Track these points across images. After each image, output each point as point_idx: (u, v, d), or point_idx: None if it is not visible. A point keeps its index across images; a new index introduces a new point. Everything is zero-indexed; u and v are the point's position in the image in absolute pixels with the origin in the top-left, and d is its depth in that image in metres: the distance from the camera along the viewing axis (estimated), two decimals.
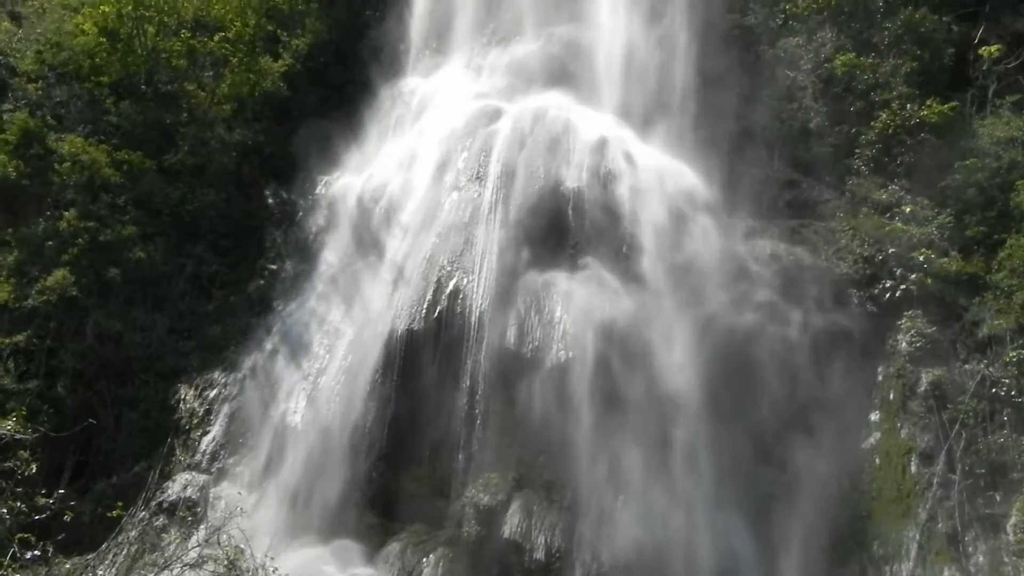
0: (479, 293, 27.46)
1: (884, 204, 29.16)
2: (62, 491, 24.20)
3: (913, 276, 27.44)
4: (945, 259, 27.77)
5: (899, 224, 28.41)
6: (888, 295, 27.47)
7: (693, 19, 33.35)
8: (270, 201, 31.74)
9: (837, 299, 27.73)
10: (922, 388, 25.71)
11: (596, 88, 32.95)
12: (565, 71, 33.49)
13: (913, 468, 24.83)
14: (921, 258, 27.66)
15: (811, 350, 26.97)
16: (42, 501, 23.07)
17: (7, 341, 26.71)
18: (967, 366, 26.01)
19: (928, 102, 30.13)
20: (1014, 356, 25.43)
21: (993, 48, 31.03)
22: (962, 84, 31.38)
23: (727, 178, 29.86)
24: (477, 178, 30.03)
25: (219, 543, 17.29)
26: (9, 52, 32.39)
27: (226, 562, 16.93)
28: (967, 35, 31.94)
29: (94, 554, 23.02)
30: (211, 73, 33.59)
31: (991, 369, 25.59)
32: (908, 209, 28.73)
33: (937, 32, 31.75)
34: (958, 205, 28.67)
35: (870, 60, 31.47)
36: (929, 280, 27.33)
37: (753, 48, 32.92)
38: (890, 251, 27.95)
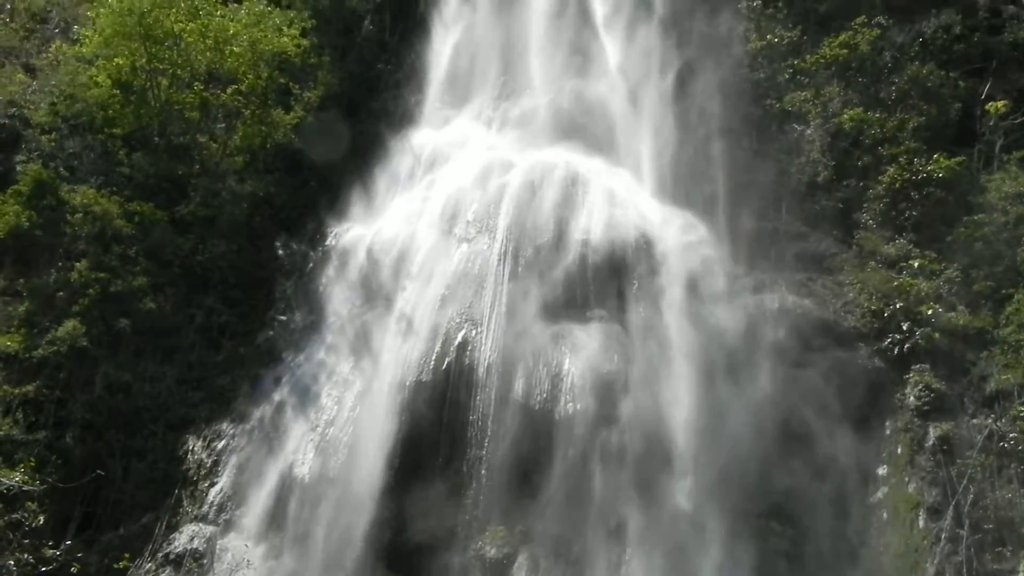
0: (487, 345, 27.85)
1: (892, 258, 29.57)
2: (69, 542, 24.65)
3: (921, 330, 27.78)
4: (953, 313, 28.14)
5: (907, 278, 28.80)
6: (896, 349, 27.79)
7: (702, 74, 33.97)
8: (280, 252, 32.23)
9: (845, 353, 28.00)
10: (930, 442, 25.97)
11: (606, 141, 33.54)
12: (575, 124, 34.15)
13: (921, 523, 25.03)
14: (929, 312, 28.03)
15: (819, 404, 27.22)
16: (49, 552, 23.53)
17: (16, 391, 27.01)
18: (975, 420, 26.28)
19: (935, 157, 30.66)
20: (1022, 411, 25.71)
21: (1000, 104, 31.64)
22: (969, 139, 31.98)
23: (735, 231, 30.33)
24: (486, 230, 30.54)
25: None
26: (23, 104, 33.02)
27: None
28: (974, 91, 32.56)
29: None
30: (223, 125, 34.21)
31: (999, 423, 25.86)
32: (916, 263, 29.15)
33: (944, 88, 32.33)
34: (965, 259, 29.08)
35: (878, 115, 32.02)
36: (937, 334, 27.67)
37: (761, 102, 33.51)
38: (898, 305, 28.31)
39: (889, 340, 28.00)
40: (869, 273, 29.25)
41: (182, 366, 29.18)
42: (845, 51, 33.13)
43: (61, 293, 28.26)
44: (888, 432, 26.83)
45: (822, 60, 33.33)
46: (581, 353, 27.41)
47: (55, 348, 27.45)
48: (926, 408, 26.61)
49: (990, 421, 26.11)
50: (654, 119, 33.75)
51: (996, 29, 34.11)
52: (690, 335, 28.08)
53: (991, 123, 31.71)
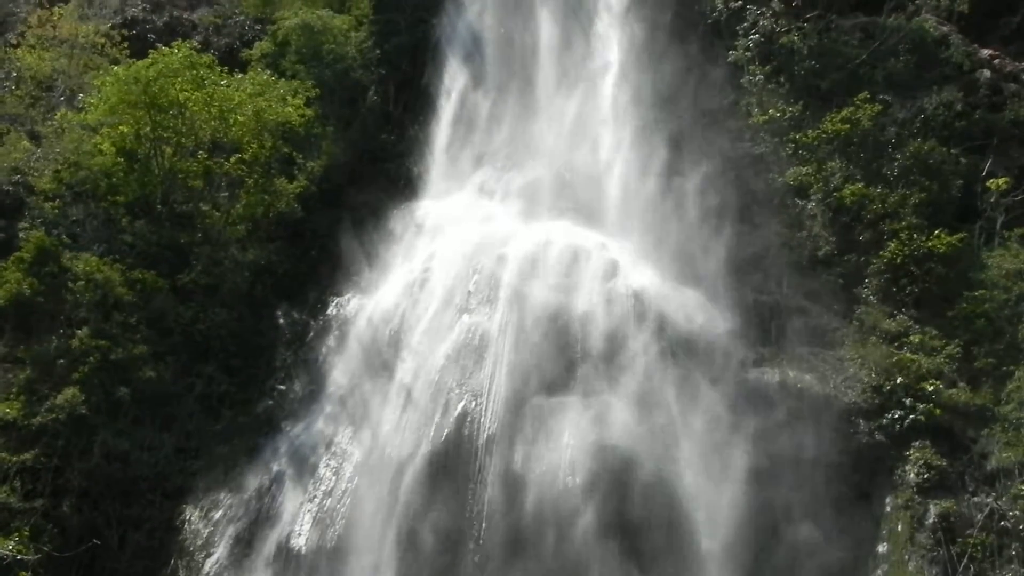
0: (487, 417, 28.49)
1: (893, 333, 30.26)
2: None
3: (922, 406, 28.40)
4: (954, 390, 28.79)
5: (908, 354, 29.47)
6: (897, 425, 28.39)
7: (704, 149, 34.92)
8: (281, 321, 32.96)
9: (845, 428, 28.59)
10: (930, 520, 26.46)
11: (607, 215, 34.43)
12: (578, 197, 35.07)
13: None
14: (930, 388, 28.68)
15: (821, 480, 27.76)
16: None
17: (14, 459, 27.56)
18: (976, 499, 26.82)
19: (936, 233, 31.44)
20: (1023, 489, 26.22)
21: (1001, 181, 32.54)
22: (970, 216, 32.84)
23: (736, 305, 31.04)
24: (487, 301, 31.28)
25: None
26: (27, 171, 33.96)
27: None
28: (975, 167, 33.46)
29: None
30: (226, 194, 35.09)
31: (1000, 502, 26.40)
32: (917, 339, 29.82)
33: (946, 164, 33.23)
34: (967, 336, 29.80)
35: (879, 190, 32.83)
36: (938, 411, 28.29)
37: (763, 176, 34.34)
38: (899, 381, 28.95)
39: (890, 416, 28.58)
40: (870, 348, 29.91)
41: (181, 435, 29.77)
42: (847, 126, 33.96)
43: (61, 361, 28.95)
44: (888, 509, 27.33)
45: (824, 135, 34.17)
46: (581, 425, 28.01)
47: (54, 416, 28.10)
48: (927, 485, 27.15)
49: (991, 499, 26.65)
50: (656, 193, 34.58)
51: (997, 106, 35.12)
52: (691, 406, 28.73)
53: (992, 200, 32.57)
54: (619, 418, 28.26)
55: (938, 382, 28.80)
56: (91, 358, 28.95)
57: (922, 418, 28.24)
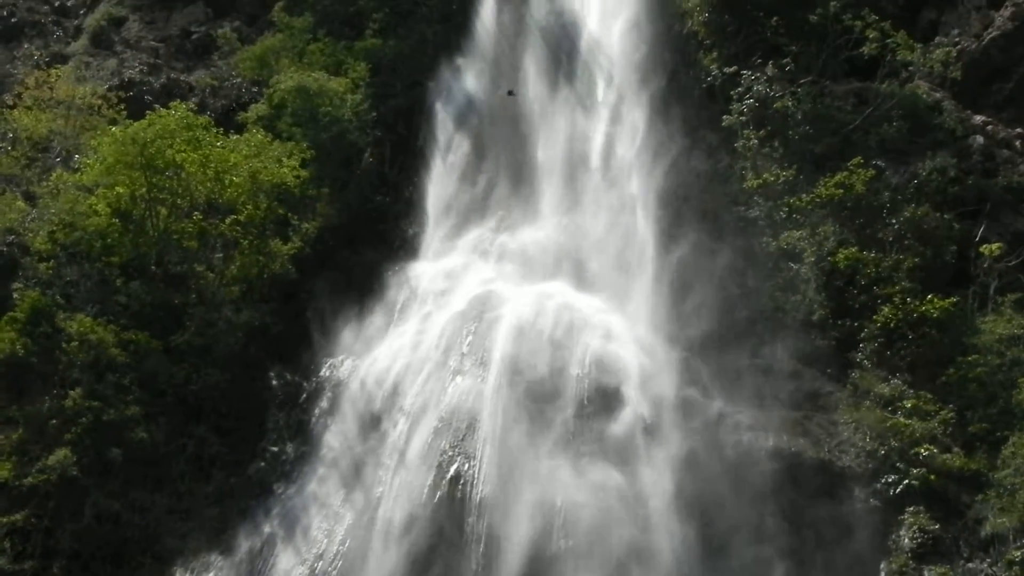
0: (480, 479, 29.01)
1: (887, 398, 30.78)
2: None
3: (916, 471, 28.90)
4: (948, 455, 29.31)
5: (902, 419, 29.99)
6: (891, 490, 28.87)
7: (699, 211, 35.66)
8: (274, 383, 33.48)
9: (840, 493, 29.05)
10: None
11: (602, 277, 35.13)
12: (572, 259, 35.86)
13: None
14: (924, 453, 29.20)
15: (815, 545, 28.20)
16: None
17: (5, 520, 27.98)
18: (970, 564, 27.29)
19: (930, 297, 32.03)
20: (1017, 555, 26.75)
21: (994, 246, 33.20)
22: (964, 280, 33.50)
23: (731, 369, 31.61)
24: (481, 363, 31.94)
25: None
26: (22, 231, 34.58)
27: None
28: (968, 233, 34.17)
29: None
30: (221, 255, 35.70)
31: (994, 568, 26.88)
32: (910, 403, 30.34)
33: (939, 229, 33.93)
34: (960, 401, 30.36)
35: (873, 255, 33.46)
36: (932, 476, 28.79)
37: (757, 240, 34.98)
38: (893, 445, 29.47)
39: (884, 481, 29.07)
40: (864, 413, 30.43)
41: (172, 496, 30.19)
42: (841, 191, 34.58)
43: (54, 421, 29.45)
44: (883, 574, 27.72)
45: (818, 199, 34.74)
46: (574, 488, 28.47)
47: (45, 476, 28.56)
48: (921, 551, 27.61)
49: (985, 565, 27.13)
50: (651, 256, 35.28)
51: (990, 172, 35.91)
52: (684, 469, 29.22)
53: (985, 265, 33.23)
54: (612, 482, 28.73)
55: (932, 447, 29.31)
56: (83, 419, 29.44)
57: (916, 483, 28.71)
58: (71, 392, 29.99)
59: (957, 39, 39.30)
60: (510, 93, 41.16)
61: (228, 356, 33.03)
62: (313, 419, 32.63)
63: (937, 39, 39.55)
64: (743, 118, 37.34)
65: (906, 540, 27.87)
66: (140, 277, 34.00)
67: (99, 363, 30.89)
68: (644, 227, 36.33)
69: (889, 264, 33.20)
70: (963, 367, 30.83)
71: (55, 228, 34.41)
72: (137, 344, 31.83)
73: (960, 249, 33.91)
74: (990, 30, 38.76)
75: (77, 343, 30.84)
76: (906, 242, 33.75)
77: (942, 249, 33.77)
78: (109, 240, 34.40)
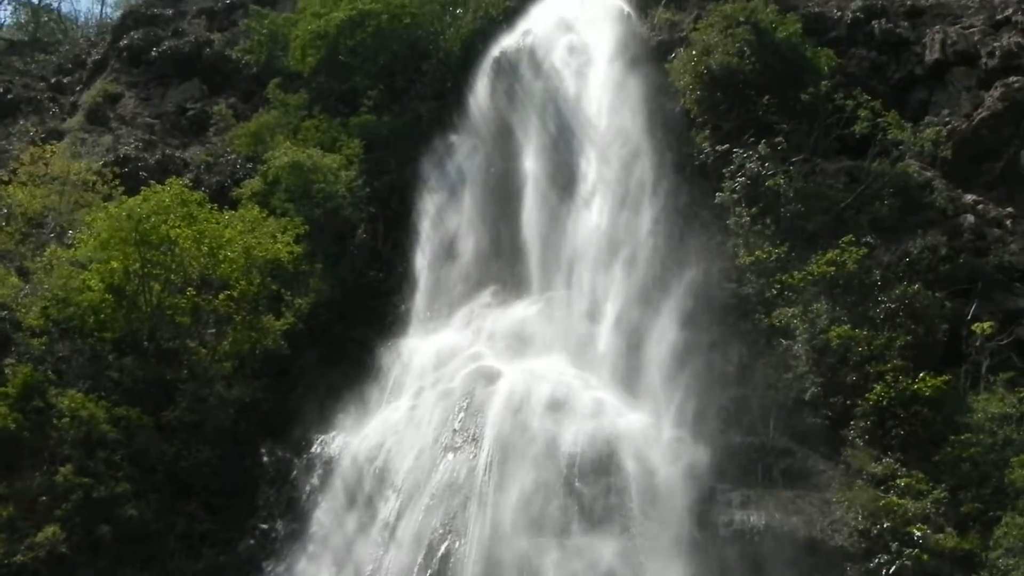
0: (471, 557, 29.33)
1: (879, 477, 31.12)
2: None
3: (909, 551, 29.13)
4: (941, 535, 29.60)
5: (894, 498, 30.29)
6: (884, 570, 29.10)
7: (692, 288, 36.25)
8: (265, 459, 33.88)
9: (832, 572, 29.34)
10: None
11: (594, 354, 35.64)
12: (564, 335, 36.36)
13: None
14: (917, 533, 29.47)
15: None
16: None
17: None
18: None
19: (922, 376, 32.48)
20: None
21: (986, 325, 33.73)
22: (956, 359, 33.99)
23: (723, 446, 32.03)
24: (472, 440, 32.36)
25: None
26: (15, 307, 35.15)
27: None
28: (960, 311, 34.70)
29: None
30: (214, 330, 36.27)
31: None
32: (903, 482, 30.67)
33: (931, 307, 34.43)
34: (953, 480, 30.70)
35: (865, 332, 33.88)
36: (925, 556, 29.04)
37: (749, 317, 35.55)
38: (885, 525, 29.73)
39: (877, 560, 29.27)
40: (857, 492, 30.76)
41: (161, 574, 30.42)
42: (832, 269, 35.12)
43: (44, 498, 29.81)
44: None
45: (810, 277, 35.26)
46: (565, 567, 28.77)
47: (34, 554, 28.90)
48: None
49: None
50: (643, 332, 35.81)
51: (981, 251, 36.57)
52: (677, 549, 29.55)
53: (977, 343, 33.73)
54: (603, 560, 29.04)
55: (925, 527, 29.57)
56: (74, 495, 29.79)
57: (909, 563, 28.93)
58: (61, 468, 30.37)
59: (947, 119, 40.26)
60: None
61: (219, 432, 33.47)
62: (304, 496, 32.97)
63: (927, 119, 40.55)
64: (735, 195, 37.99)
65: None
66: (132, 353, 34.54)
67: (90, 439, 31.31)
68: (637, 303, 36.79)
69: (881, 342, 33.65)
70: (956, 446, 31.17)
71: (48, 304, 34.96)
72: (128, 420, 32.27)
73: (952, 327, 34.41)
74: (980, 110, 39.70)
75: (68, 419, 31.30)
76: (898, 320, 34.21)
77: (934, 327, 34.26)
78: (102, 315, 34.96)
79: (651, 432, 32.28)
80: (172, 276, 35.93)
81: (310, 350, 37.18)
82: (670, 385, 33.58)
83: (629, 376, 34.63)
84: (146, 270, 35.42)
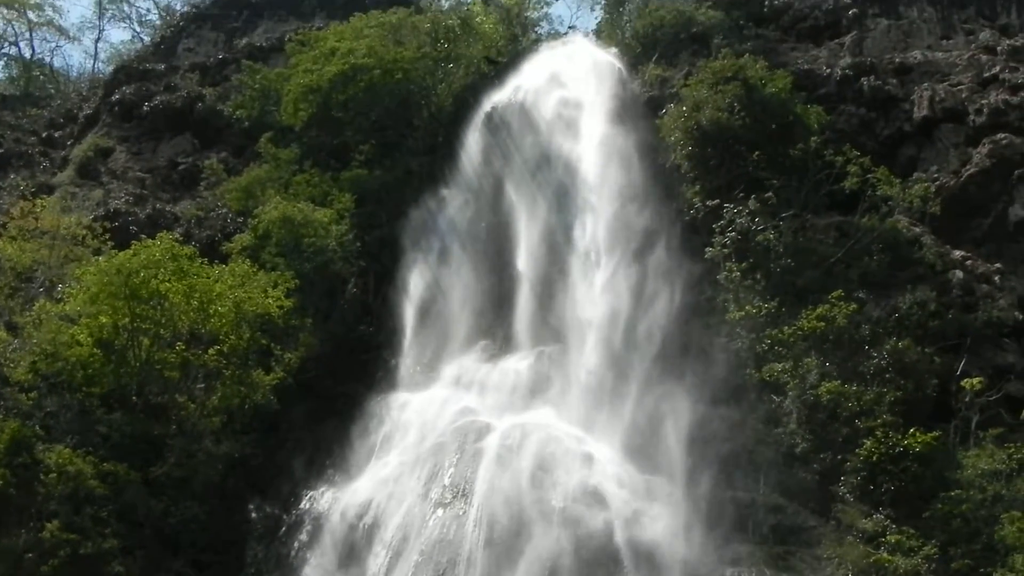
0: None
1: (870, 533, 31.32)
2: None
3: None
4: None
5: (885, 554, 30.48)
6: None
7: (681, 344, 36.67)
8: (253, 515, 34.04)
9: None
10: None
11: (584, 409, 35.98)
12: (555, 389, 36.74)
13: None
14: None
15: None
16: None
17: None
18: None
19: (912, 431, 32.82)
20: None
21: (975, 380, 34.15)
22: (946, 414, 34.42)
23: (713, 501, 32.27)
24: (462, 495, 32.57)
25: None
26: (3, 362, 35.34)
27: None
28: (950, 367, 35.17)
29: None
30: (203, 385, 36.49)
31: None
32: (894, 539, 30.86)
33: (920, 363, 34.88)
34: (943, 536, 30.93)
35: (855, 388, 34.27)
36: None
37: (740, 372, 35.89)
38: None
39: None
40: (847, 548, 30.95)
41: None
42: (822, 324, 35.52)
43: (30, 555, 29.78)
44: None
45: (800, 332, 35.65)
46: None
47: None
48: None
49: None
50: (634, 386, 36.18)
51: (970, 307, 37.04)
52: None
53: (967, 399, 34.13)
54: None
55: None
56: (61, 552, 29.74)
57: None
58: (48, 525, 30.33)
59: (936, 175, 40.95)
60: None
61: (207, 488, 33.60)
62: (292, 552, 33.10)
63: (916, 175, 41.25)
64: (726, 250, 38.49)
65: None
66: (120, 408, 34.70)
67: (77, 495, 31.35)
68: (629, 358, 37.20)
69: (871, 398, 33.99)
70: (946, 502, 31.45)
71: (37, 358, 35.14)
72: (116, 476, 32.33)
73: (941, 383, 34.85)
74: (968, 167, 40.39)
75: (56, 474, 31.33)
76: (888, 376, 34.61)
77: (924, 383, 34.68)
78: (90, 370, 35.11)
79: (641, 487, 32.53)
80: (161, 330, 36.11)
81: (299, 405, 37.43)
82: (661, 440, 33.86)
83: (619, 431, 34.92)
84: (135, 324, 35.61)
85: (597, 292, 39.56)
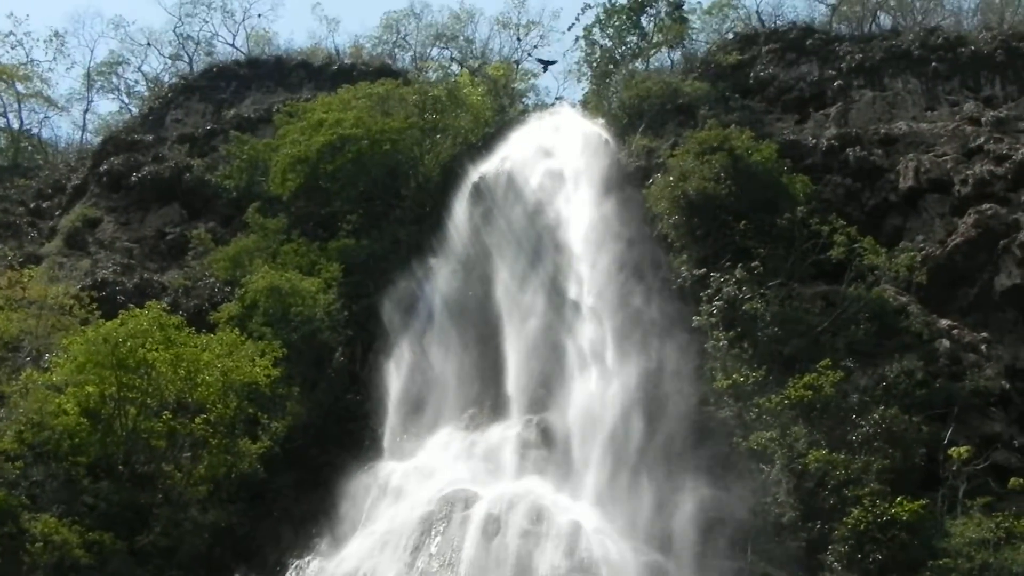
0: None
1: None
2: None
3: None
4: None
5: None
6: None
7: (670, 411, 37.15)
8: None
9: None
10: None
11: (572, 476, 36.37)
12: (543, 457, 37.11)
13: None
14: None
15: None
16: None
17: None
18: None
19: (900, 500, 33.20)
20: None
21: (962, 449, 34.69)
22: (933, 483, 34.91)
23: (702, 571, 32.58)
24: (449, 564, 32.81)
25: None
26: None
27: None
28: (937, 435, 35.72)
29: None
30: (189, 454, 36.83)
31: None
32: None
33: (908, 432, 35.36)
34: None
35: (843, 456, 34.71)
36: None
37: (727, 440, 36.37)
38: None
39: None
40: None
41: None
42: (810, 392, 36.04)
43: None
44: None
45: (787, 401, 36.15)
46: None
47: None
48: None
49: None
50: (622, 456, 36.59)
51: (957, 376, 37.71)
52: None
53: (954, 468, 34.62)
54: None
55: None
56: None
57: None
58: None
59: (922, 245, 41.86)
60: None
61: (193, 557, 33.88)
62: None
63: (902, 244, 42.20)
64: (713, 319, 39.13)
65: None
66: (107, 477, 34.99)
67: (63, 565, 31.60)
68: (617, 427, 37.61)
69: (859, 466, 34.41)
70: (934, 571, 31.76)
71: (23, 428, 35.46)
72: (102, 545, 32.55)
73: (929, 452, 35.37)
74: (954, 236, 41.32)
75: (41, 544, 31.58)
76: (875, 444, 35.05)
77: (911, 452, 35.14)
78: (77, 439, 35.40)
79: (628, 556, 32.82)
80: (148, 399, 36.46)
81: (286, 474, 37.77)
82: (648, 508, 34.24)
83: (607, 498, 35.28)
84: (122, 393, 35.96)
85: (585, 362, 40.05)
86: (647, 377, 38.43)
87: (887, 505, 33.11)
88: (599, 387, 39.09)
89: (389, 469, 37.79)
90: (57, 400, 36.12)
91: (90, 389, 35.95)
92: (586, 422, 38.25)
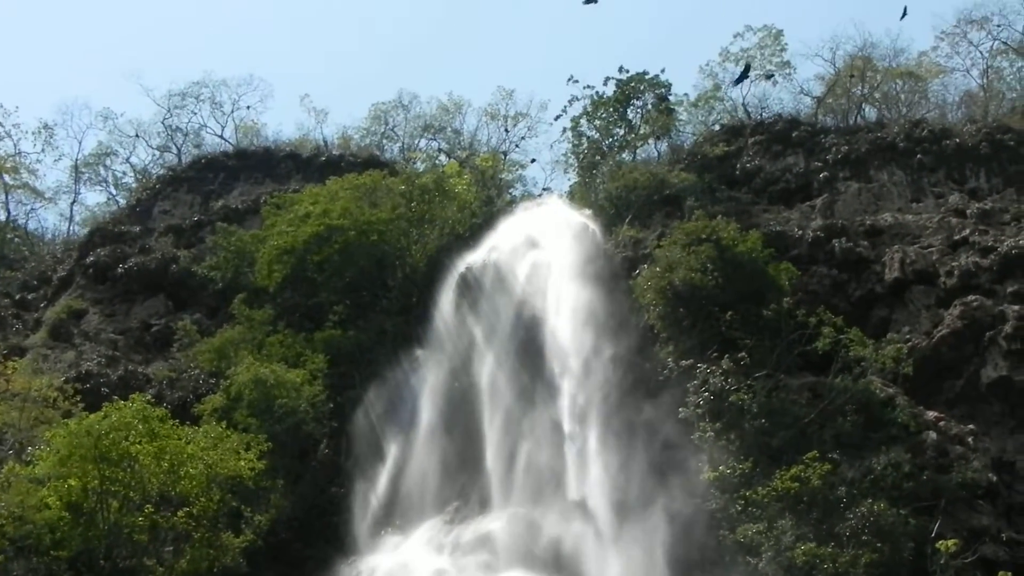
0: None
1: None
2: None
3: None
4: None
5: None
6: None
7: (656, 504, 37.51)
8: None
9: None
10: None
11: (563, 565, 36.66)
12: (530, 549, 37.33)
13: None
14: None
15: None
16: None
17: None
18: None
19: None
20: None
21: (950, 542, 34.86)
22: None
23: None
24: None
25: None
26: None
27: None
28: (925, 528, 35.87)
29: None
30: (171, 548, 36.94)
31: None
32: None
33: (895, 525, 35.55)
34: None
35: (830, 549, 34.91)
36: None
37: (714, 533, 36.64)
38: None
39: None
40: None
41: None
42: (797, 484, 36.33)
43: None
44: None
45: (774, 493, 36.43)
46: None
47: None
48: None
49: None
50: (611, 547, 36.87)
51: (944, 468, 37.96)
52: None
53: (942, 561, 34.76)
54: None
55: None
56: None
57: None
58: None
59: (908, 336, 42.43)
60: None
61: None
62: None
63: (889, 336, 42.74)
64: (699, 410, 39.52)
65: None
66: (88, 572, 35.12)
67: None
68: (604, 520, 37.95)
69: (847, 560, 34.55)
70: None
71: (4, 521, 35.52)
72: None
73: (916, 545, 35.49)
74: (940, 328, 41.96)
75: None
76: (863, 537, 35.19)
77: (899, 545, 35.28)
78: (59, 533, 35.51)
79: None
80: (131, 493, 36.60)
81: (269, 568, 37.92)
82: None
83: None
84: (105, 487, 36.09)
85: (570, 454, 40.43)
86: (632, 470, 38.76)
87: None
88: (584, 481, 39.43)
89: (374, 563, 37.96)
90: (39, 493, 36.26)
91: (72, 482, 36.09)
92: (569, 516, 38.47)
